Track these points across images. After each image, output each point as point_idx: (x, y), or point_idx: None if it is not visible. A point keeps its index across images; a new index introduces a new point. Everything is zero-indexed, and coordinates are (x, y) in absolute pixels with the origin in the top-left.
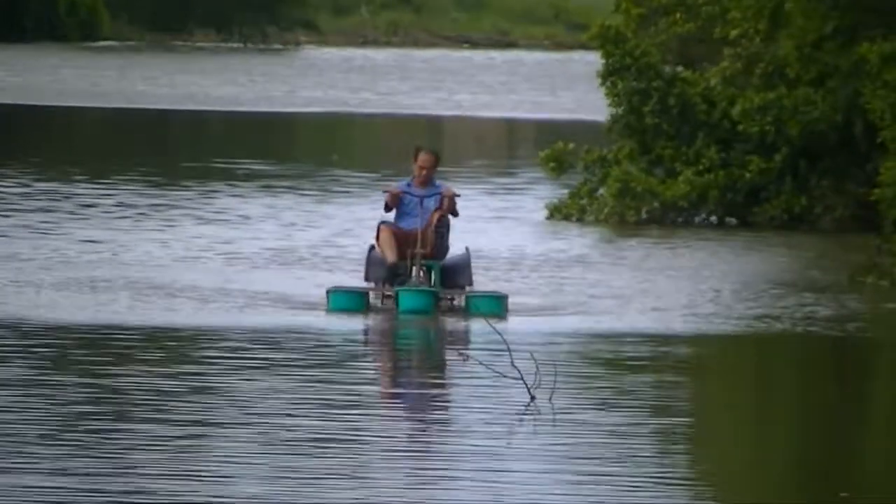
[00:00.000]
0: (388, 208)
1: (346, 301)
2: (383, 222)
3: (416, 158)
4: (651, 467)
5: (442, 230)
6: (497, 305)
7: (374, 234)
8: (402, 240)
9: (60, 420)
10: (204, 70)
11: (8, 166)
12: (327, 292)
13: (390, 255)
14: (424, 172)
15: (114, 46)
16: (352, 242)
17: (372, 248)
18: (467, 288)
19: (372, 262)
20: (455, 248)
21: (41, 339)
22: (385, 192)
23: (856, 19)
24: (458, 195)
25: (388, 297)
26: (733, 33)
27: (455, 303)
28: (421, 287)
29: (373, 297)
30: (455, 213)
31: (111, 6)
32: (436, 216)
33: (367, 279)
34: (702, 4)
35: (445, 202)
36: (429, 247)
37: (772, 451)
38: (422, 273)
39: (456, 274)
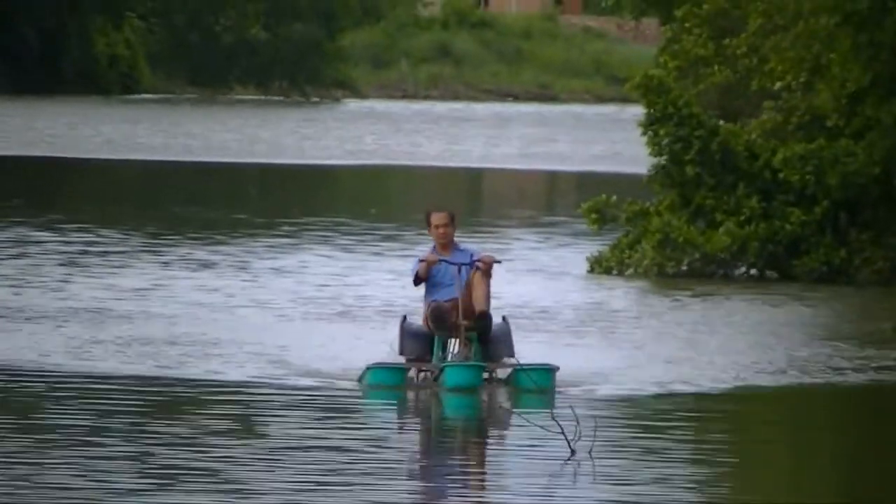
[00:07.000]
0: (418, 281)
1: (386, 377)
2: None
3: (429, 222)
4: None
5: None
6: (546, 378)
7: (423, 318)
8: (447, 312)
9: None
10: (246, 123)
11: (48, 218)
12: (367, 368)
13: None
14: (442, 230)
15: (153, 99)
16: (387, 297)
17: (405, 318)
18: (513, 359)
19: (407, 333)
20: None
21: (89, 388)
22: (421, 260)
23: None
24: (499, 262)
25: (425, 371)
26: (778, 85)
27: (496, 375)
28: (467, 362)
29: (412, 373)
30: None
31: (151, 60)
32: (482, 304)
33: (401, 353)
34: (739, 57)
35: (482, 266)
36: (471, 318)
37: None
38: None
39: (497, 346)
